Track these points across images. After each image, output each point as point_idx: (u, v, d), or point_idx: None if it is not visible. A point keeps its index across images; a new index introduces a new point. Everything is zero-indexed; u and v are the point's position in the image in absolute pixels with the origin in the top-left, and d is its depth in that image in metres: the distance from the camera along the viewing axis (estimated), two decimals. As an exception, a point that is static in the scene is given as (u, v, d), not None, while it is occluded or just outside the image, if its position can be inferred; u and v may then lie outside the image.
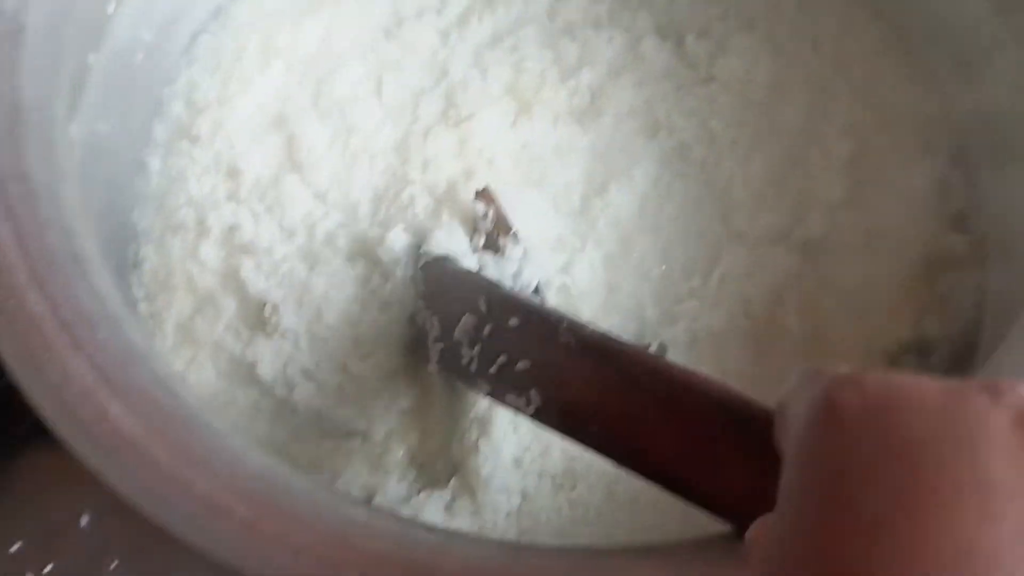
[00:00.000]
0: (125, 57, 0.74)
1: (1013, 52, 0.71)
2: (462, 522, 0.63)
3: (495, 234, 0.67)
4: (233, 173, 0.74)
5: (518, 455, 0.65)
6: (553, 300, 0.69)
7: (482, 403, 0.64)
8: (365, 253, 0.69)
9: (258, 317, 0.69)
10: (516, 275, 0.67)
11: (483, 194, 0.69)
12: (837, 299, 0.71)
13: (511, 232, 0.67)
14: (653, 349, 0.69)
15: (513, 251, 0.67)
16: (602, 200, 0.72)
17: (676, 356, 0.69)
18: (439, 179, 0.72)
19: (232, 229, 0.72)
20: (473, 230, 0.68)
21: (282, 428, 0.67)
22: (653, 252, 0.72)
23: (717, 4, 0.81)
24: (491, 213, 0.68)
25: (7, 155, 0.54)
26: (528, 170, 0.73)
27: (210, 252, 0.71)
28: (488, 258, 0.67)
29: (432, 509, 0.63)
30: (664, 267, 0.72)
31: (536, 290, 0.67)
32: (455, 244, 0.67)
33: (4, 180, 0.52)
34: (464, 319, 0.59)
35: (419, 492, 0.65)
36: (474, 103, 0.75)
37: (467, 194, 0.70)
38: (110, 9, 0.71)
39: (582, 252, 0.70)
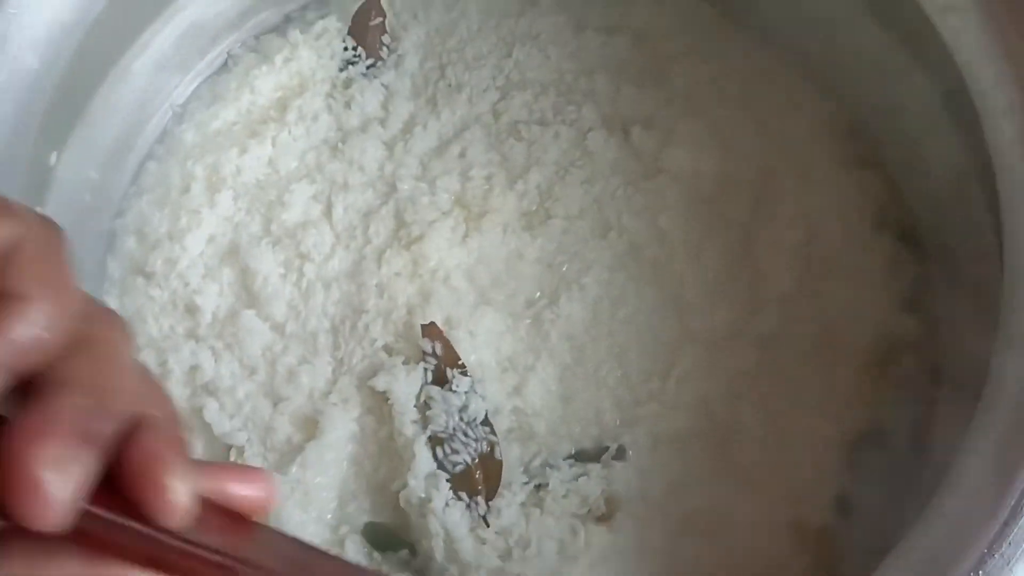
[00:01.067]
0: (73, 201, 0.74)
1: (956, 137, 0.71)
2: None
3: (442, 367, 0.68)
4: (191, 310, 0.75)
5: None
6: (506, 425, 0.70)
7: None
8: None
9: (224, 460, 0.70)
10: (463, 408, 0.68)
11: (429, 329, 0.69)
12: (794, 394, 0.72)
13: (458, 363, 0.68)
14: (612, 452, 0.70)
15: (460, 384, 0.68)
16: (553, 312, 0.73)
17: (639, 459, 0.70)
18: (396, 305, 0.72)
19: (193, 369, 0.73)
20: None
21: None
22: (609, 359, 0.73)
23: (660, 90, 0.81)
24: (438, 347, 0.69)
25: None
26: (482, 286, 0.74)
27: (173, 394, 0.72)
28: (435, 392, 0.68)
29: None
30: (621, 372, 0.73)
31: (484, 421, 0.68)
32: (401, 383, 0.68)
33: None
34: None
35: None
36: (424, 219, 0.75)
37: (425, 319, 0.71)
38: (52, 160, 0.71)
39: (534, 370, 0.71)
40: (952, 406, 0.70)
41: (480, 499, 0.67)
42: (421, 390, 0.69)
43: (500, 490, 0.68)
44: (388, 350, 0.71)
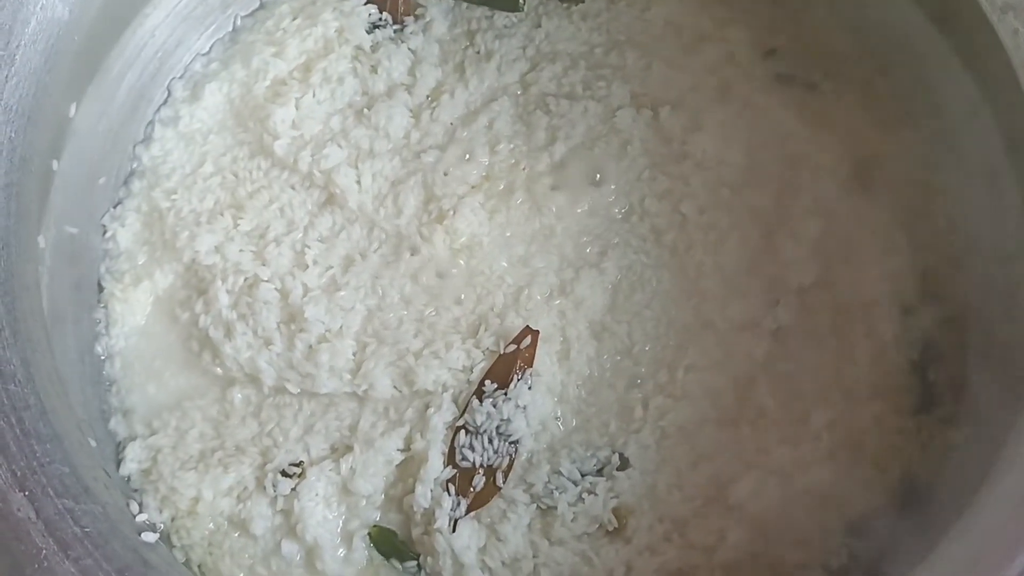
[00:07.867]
0: (88, 151, 0.72)
1: (994, 135, 0.71)
2: None
3: (518, 367, 0.69)
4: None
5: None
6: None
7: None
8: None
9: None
10: (507, 420, 0.68)
11: (528, 331, 0.70)
12: (815, 380, 0.72)
13: (527, 373, 0.69)
14: (615, 464, 0.70)
15: (521, 397, 0.69)
16: (570, 299, 0.73)
17: (644, 462, 0.70)
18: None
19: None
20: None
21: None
22: (622, 354, 0.73)
23: (689, 74, 0.79)
24: (526, 348, 0.70)
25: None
26: (514, 268, 0.74)
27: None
28: (491, 389, 0.69)
29: None
30: (632, 366, 0.73)
31: (514, 442, 0.69)
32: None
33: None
34: None
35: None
36: (454, 193, 0.75)
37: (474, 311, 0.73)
38: (71, 112, 0.69)
39: (551, 381, 0.72)
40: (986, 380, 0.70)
41: (464, 504, 0.67)
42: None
43: (505, 511, 0.68)
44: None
